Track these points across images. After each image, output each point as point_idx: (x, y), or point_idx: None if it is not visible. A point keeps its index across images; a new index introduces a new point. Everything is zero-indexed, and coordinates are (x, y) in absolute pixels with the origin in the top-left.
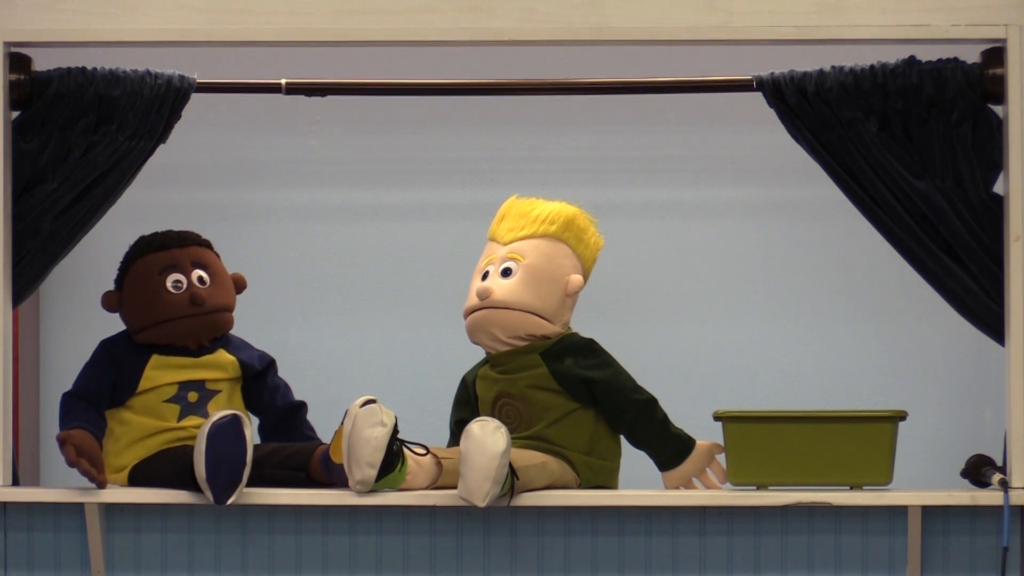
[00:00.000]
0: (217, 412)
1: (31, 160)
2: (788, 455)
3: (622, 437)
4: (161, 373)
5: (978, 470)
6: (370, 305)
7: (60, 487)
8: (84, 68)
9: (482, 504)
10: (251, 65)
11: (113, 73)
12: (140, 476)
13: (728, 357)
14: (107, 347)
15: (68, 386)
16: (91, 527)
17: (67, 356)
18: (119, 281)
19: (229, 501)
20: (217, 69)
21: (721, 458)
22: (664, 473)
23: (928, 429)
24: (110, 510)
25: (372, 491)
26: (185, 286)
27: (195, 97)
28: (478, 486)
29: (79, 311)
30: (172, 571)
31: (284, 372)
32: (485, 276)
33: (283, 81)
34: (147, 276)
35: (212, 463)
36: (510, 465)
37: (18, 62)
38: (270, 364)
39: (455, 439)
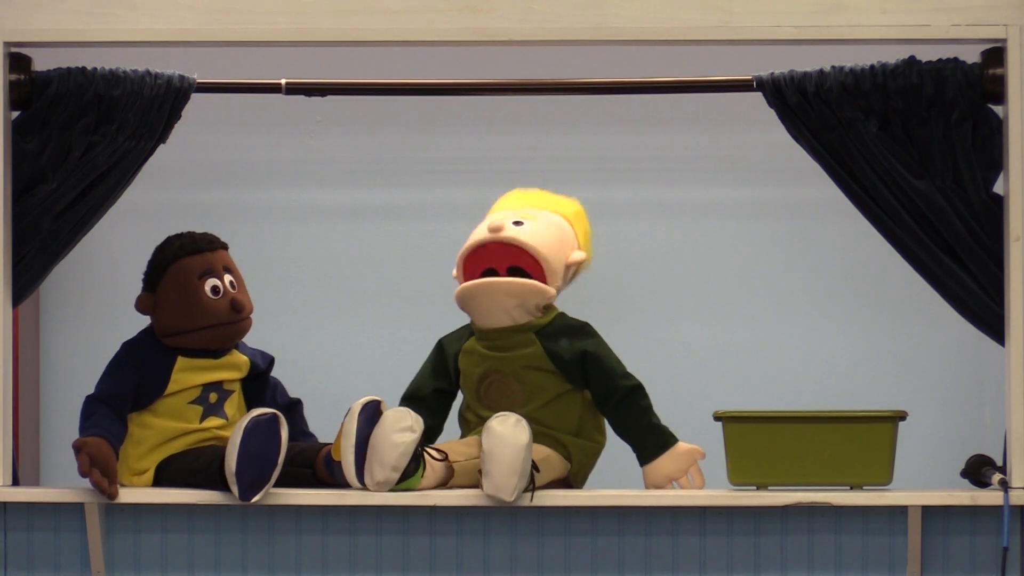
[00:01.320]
0: (257, 410)
1: (31, 160)
2: (788, 455)
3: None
4: (188, 375)
5: (978, 470)
6: (370, 305)
7: (60, 487)
8: (84, 68)
9: (510, 499)
10: (251, 65)
11: (113, 73)
12: (165, 473)
13: (728, 357)
14: (130, 350)
15: (68, 386)
16: (91, 527)
17: (67, 356)
18: (152, 284)
19: (254, 499)
20: (217, 69)
21: (703, 463)
22: (644, 468)
23: (928, 429)
24: (110, 510)
25: (372, 491)
26: (222, 291)
27: (195, 97)
28: (505, 481)
29: (79, 311)
30: (172, 571)
31: (283, 371)
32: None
33: (283, 81)
34: (187, 281)
35: (243, 458)
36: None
37: (18, 62)
38: (271, 363)
39: (430, 409)
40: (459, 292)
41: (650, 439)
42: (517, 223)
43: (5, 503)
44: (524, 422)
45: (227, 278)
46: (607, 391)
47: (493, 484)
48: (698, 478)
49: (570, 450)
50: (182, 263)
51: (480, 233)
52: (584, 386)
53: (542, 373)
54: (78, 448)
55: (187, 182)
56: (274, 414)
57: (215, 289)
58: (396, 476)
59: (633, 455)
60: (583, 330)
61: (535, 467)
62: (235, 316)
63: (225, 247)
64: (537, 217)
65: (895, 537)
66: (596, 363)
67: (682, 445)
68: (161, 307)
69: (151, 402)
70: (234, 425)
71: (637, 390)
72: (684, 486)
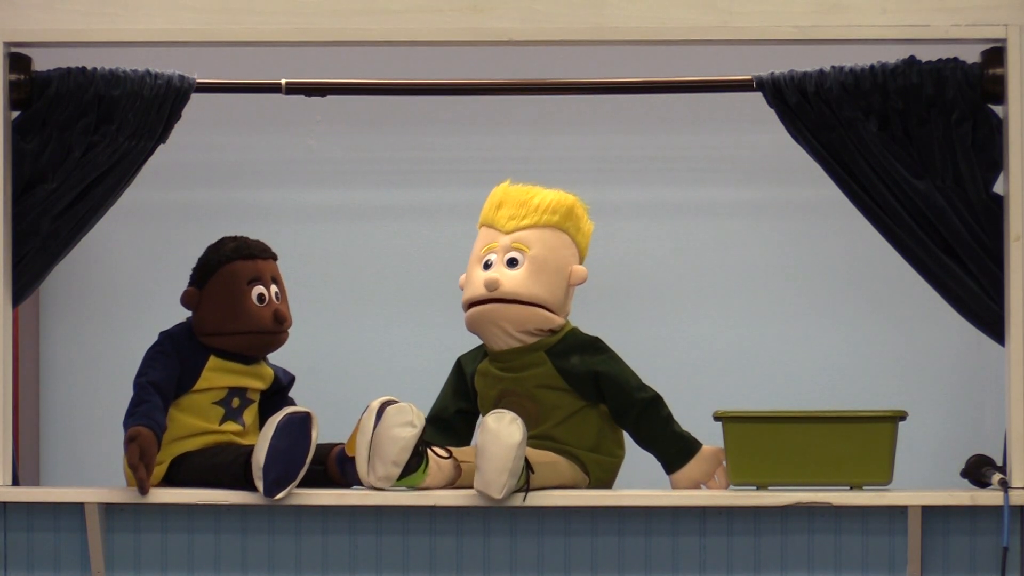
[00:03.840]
0: (291, 407)
1: (31, 160)
2: (788, 455)
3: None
4: (217, 375)
5: (978, 470)
6: (370, 305)
7: (60, 487)
8: (84, 68)
9: (499, 496)
10: (251, 65)
11: (113, 73)
12: (180, 468)
13: (728, 357)
14: (171, 340)
15: (68, 386)
16: (91, 527)
17: (67, 356)
18: (201, 281)
19: (278, 496)
20: (217, 69)
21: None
22: (671, 476)
23: (928, 429)
24: (110, 510)
25: (374, 490)
26: (267, 300)
27: (195, 97)
28: (495, 477)
29: (79, 311)
30: (172, 571)
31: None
32: (487, 265)
33: (283, 81)
34: (236, 284)
35: (273, 454)
36: (525, 459)
37: (18, 62)
38: (292, 381)
39: (455, 432)
40: (466, 319)
41: (675, 448)
42: (512, 262)
43: (5, 503)
44: (519, 421)
45: (273, 288)
46: (625, 406)
47: (483, 480)
48: (724, 479)
49: (588, 466)
50: (234, 266)
51: (477, 286)
52: (599, 401)
53: (556, 392)
54: (132, 438)
55: (187, 182)
56: (307, 413)
57: (261, 297)
58: (397, 471)
59: (634, 456)
60: (594, 346)
61: (529, 468)
62: (276, 327)
63: (275, 257)
64: (531, 245)
65: (895, 537)
66: (610, 381)
67: (707, 449)
68: (206, 305)
69: (179, 395)
70: (249, 433)
71: (655, 402)
72: (711, 487)
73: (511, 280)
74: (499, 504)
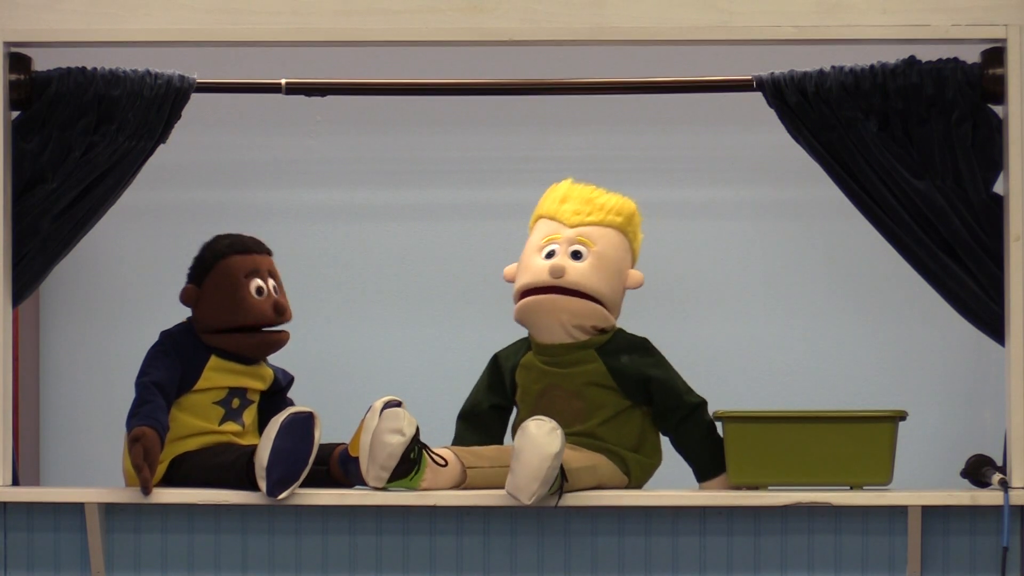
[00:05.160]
0: (293, 407)
1: (31, 160)
2: (788, 455)
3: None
4: (218, 375)
5: (978, 470)
6: (370, 305)
7: (60, 487)
8: (84, 68)
9: (528, 502)
10: (251, 65)
11: (113, 73)
12: (180, 468)
13: (728, 357)
14: (171, 340)
15: (68, 386)
16: (91, 527)
17: (67, 356)
18: (198, 278)
19: (281, 496)
20: (217, 69)
21: None
22: (701, 484)
23: (928, 429)
24: (110, 510)
25: (374, 490)
26: (266, 293)
27: (195, 97)
28: (526, 484)
29: (79, 311)
30: (172, 571)
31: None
32: (550, 255)
33: (283, 81)
34: (233, 278)
35: (276, 454)
36: (561, 468)
37: (18, 62)
38: (290, 382)
39: (488, 427)
40: (520, 307)
41: (712, 457)
42: (576, 254)
43: (5, 503)
44: (560, 431)
45: (271, 282)
46: (672, 408)
47: (515, 484)
48: None
49: (630, 466)
50: (230, 260)
51: (540, 272)
52: (643, 403)
53: (603, 390)
54: (136, 438)
55: (187, 182)
56: (310, 413)
57: (259, 290)
58: (385, 475)
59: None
60: (643, 347)
61: (564, 477)
62: (277, 319)
63: (270, 253)
64: (596, 241)
65: (895, 537)
66: (660, 383)
67: None
68: (206, 301)
69: (180, 395)
70: (248, 434)
71: (702, 407)
72: None
73: (576, 271)
74: (498, 504)
